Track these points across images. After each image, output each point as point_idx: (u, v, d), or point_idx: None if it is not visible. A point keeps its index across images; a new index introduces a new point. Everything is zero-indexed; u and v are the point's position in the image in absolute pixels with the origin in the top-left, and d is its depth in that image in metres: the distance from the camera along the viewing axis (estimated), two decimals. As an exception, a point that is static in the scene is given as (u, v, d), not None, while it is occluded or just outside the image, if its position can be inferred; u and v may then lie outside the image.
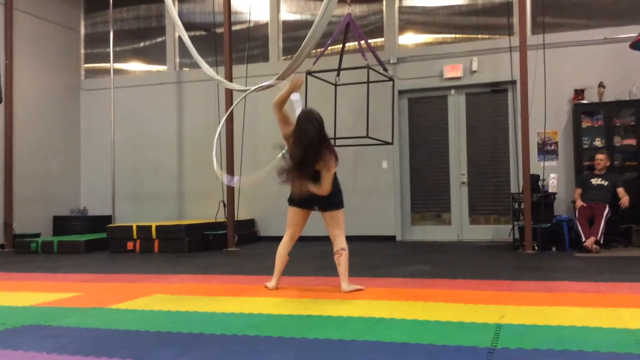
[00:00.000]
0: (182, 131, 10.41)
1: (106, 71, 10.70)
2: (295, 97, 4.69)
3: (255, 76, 9.13)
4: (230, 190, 8.47)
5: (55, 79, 10.50)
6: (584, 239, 6.98)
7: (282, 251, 4.49)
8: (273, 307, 3.75)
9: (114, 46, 10.40)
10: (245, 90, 7.16)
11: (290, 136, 4.28)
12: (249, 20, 9.97)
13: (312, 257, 6.96)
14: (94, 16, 11.19)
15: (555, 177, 8.03)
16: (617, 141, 8.14)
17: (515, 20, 8.51)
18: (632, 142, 8.07)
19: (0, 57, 9.30)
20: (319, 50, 7.56)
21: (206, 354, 2.65)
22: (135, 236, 8.36)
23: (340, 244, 4.33)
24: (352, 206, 9.41)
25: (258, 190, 9.20)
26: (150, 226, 8.36)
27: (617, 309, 3.42)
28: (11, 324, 3.38)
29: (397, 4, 9.52)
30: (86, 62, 11.21)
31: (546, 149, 8.60)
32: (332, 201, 4.36)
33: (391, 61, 9.18)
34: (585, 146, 8.22)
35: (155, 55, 10.84)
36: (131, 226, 8.46)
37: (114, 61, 10.45)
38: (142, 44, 11.03)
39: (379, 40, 9.56)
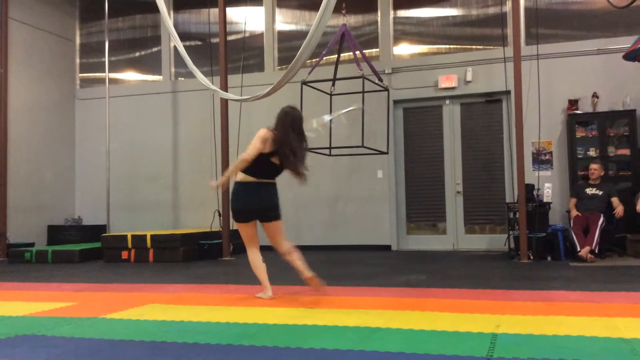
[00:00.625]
0: (177, 141, 10.41)
1: (101, 81, 10.70)
2: (326, 117, 5.17)
3: (250, 86, 9.16)
4: (226, 199, 8.45)
5: (50, 88, 10.49)
6: (579, 249, 6.99)
7: (258, 262, 4.61)
8: (268, 316, 3.73)
9: (109, 56, 10.42)
10: (244, 99, 7.17)
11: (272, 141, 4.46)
12: (245, 30, 10.01)
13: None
14: (89, 26, 11.20)
15: (550, 186, 8.07)
16: (612, 151, 8.18)
17: (509, 31, 8.56)
18: (626, 152, 8.11)
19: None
20: (314, 60, 7.58)
21: (201, 364, 2.64)
22: (130, 245, 8.33)
23: (287, 244, 4.63)
24: (348, 216, 9.46)
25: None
26: (145, 235, 8.33)
27: (613, 319, 3.42)
28: (5, 333, 3.36)
29: (391, 15, 9.58)
30: (81, 71, 11.20)
31: (541, 159, 8.63)
32: (280, 211, 4.65)
33: (386, 71, 9.21)
34: (580, 156, 8.26)
35: (151, 64, 10.85)
36: (126, 235, 8.43)
37: (110, 71, 10.46)
38: (137, 54, 11.04)
39: (374, 50, 9.61)
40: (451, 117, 9.27)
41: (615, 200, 7.39)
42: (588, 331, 3.10)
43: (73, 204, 10.86)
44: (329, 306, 4.10)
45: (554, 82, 8.53)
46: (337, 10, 6.60)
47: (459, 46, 9.31)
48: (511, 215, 7.77)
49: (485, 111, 9.16)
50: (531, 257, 7.17)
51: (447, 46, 9.39)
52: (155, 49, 10.82)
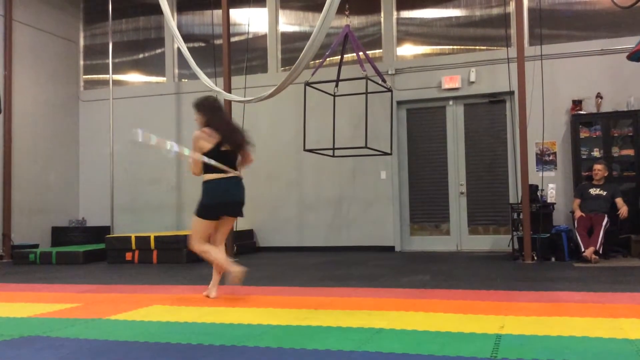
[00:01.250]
0: (180, 142, 10.32)
1: (105, 82, 10.73)
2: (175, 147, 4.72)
3: (254, 87, 9.16)
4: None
5: (54, 90, 10.52)
6: (583, 249, 6.97)
7: (214, 248, 4.68)
8: (272, 317, 3.74)
9: (113, 57, 10.45)
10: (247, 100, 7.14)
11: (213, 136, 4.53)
12: (248, 32, 10.02)
13: (311, 268, 6.94)
14: (93, 28, 11.23)
15: (553, 187, 8.05)
16: (615, 151, 8.17)
17: (513, 31, 8.57)
18: (630, 152, 8.09)
19: (-1, 68, 9.34)
20: (317, 61, 7.59)
21: (206, 365, 2.64)
22: (133, 247, 8.35)
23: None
24: (351, 217, 9.46)
25: (257, 201, 9.20)
26: (149, 237, 8.35)
27: (617, 319, 3.41)
28: (10, 335, 3.37)
29: (395, 16, 9.58)
30: (85, 73, 11.23)
31: (544, 160, 8.61)
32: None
33: (389, 72, 9.21)
34: (584, 156, 8.24)
35: (154, 66, 10.87)
36: (130, 237, 8.44)
37: (113, 72, 10.49)
38: (141, 56, 11.06)
39: (377, 51, 9.61)
40: (454, 118, 9.26)
41: (619, 201, 7.38)
42: (592, 332, 3.10)
43: (77, 206, 10.89)
44: (332, 307, 4.10)
45: (558, 82, 8.52)
46: (340, 11, 6.62)
47: (462, 47, 9.30)
48: (515, 216, 7.76)
49: (488, 112, 9.15)
50: (535, 258, 7.16)
51: (451, 47, 9.38)
52: (158, 51, 10.84)
